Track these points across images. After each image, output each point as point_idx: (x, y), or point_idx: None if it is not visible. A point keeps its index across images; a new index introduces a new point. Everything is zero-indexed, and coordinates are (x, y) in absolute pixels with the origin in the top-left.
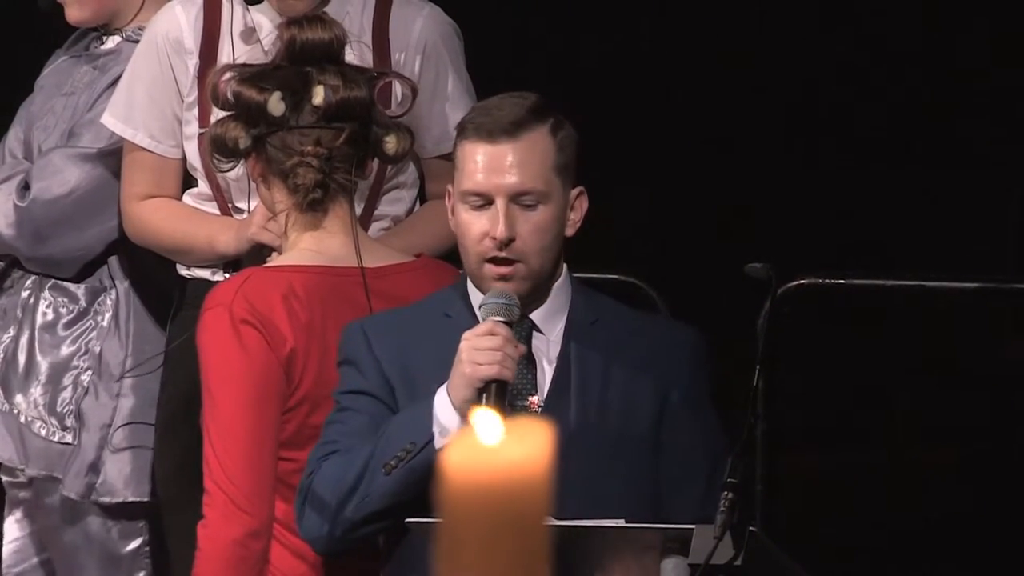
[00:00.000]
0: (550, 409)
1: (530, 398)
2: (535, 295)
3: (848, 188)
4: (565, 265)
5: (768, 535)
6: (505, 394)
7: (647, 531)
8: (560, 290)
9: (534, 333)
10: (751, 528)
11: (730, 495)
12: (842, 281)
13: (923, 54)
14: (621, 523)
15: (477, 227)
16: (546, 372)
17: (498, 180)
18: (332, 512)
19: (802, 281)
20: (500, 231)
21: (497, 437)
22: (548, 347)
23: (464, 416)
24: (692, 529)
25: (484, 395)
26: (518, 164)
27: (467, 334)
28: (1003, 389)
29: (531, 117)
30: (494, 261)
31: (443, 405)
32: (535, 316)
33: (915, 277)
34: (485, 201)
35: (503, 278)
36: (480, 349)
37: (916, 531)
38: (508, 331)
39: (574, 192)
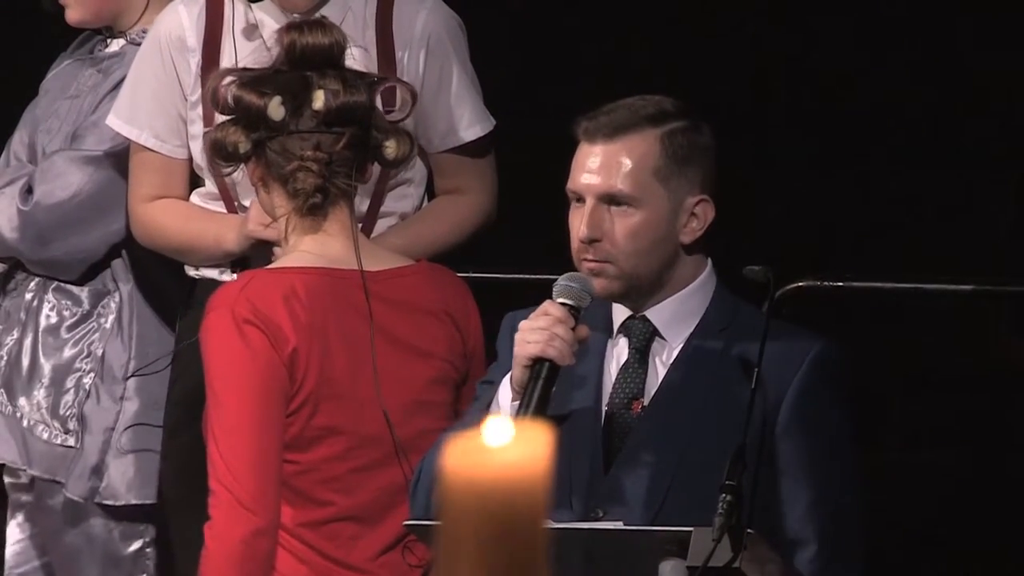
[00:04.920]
0: (651, 414)
1: (635, 401)
2: (640, 297)
3: (847, 190)
4: (708, 270)
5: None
6: (555, 375)
7: (646, 533)
8: (692, 296)
9: (656, 337)
10: (749, 530)
11: (728, 497)
12: (840, 284)
13: (922, 54)
14: (619, 525)
15: (574, 225)
16: (658, 377)
17: (587, 180)
18: (424, 494)
19: (800, 284)
20: (582, 231)
21: (501, 440)
22: (667, 352)
23: (517, 396)
24: (690, 531)
25: (533, 374)
26: (608, 166)
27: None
28: (1001, 391)
29: (639, 121)
30: (586, 260)
31: (505, 387)
32: (657, 320)
33: (913, 279)
34: (581, 200)
35: (592, 273)
36: (531, 328)
37: (915, 532)
38: (563, 312)
39: (693, 199)
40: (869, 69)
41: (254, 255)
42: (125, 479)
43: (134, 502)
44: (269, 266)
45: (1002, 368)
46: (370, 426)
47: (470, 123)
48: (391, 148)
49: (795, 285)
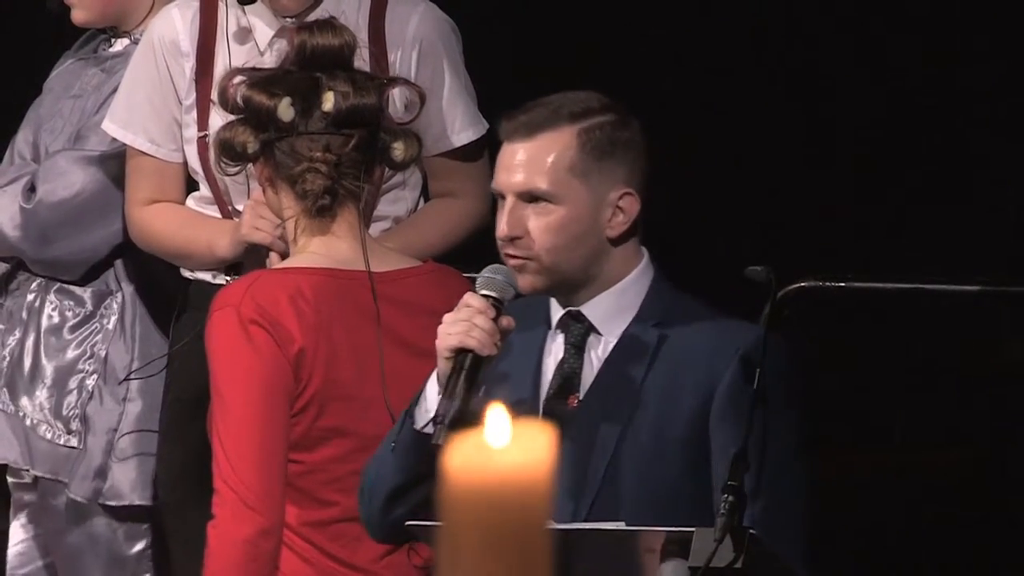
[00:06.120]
0: (585, 408)
1: (571, 396)
2: (569, 291)
3: (849, 190)
4: (643, 264)
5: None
6: (478, 365)
7: (647, 533)
8: (628, 289)
9: (592, 332)
10: (751, 531)
11: (730, 498)
12: (842, 284)
13: (923, 54)
14: (621, 526)
15: (497, 223)
16: (593, 371)
17: (505, 178)
18: (367, 495)
19: (802, 284)
20: (501, 228)
21: (503, 439)
22: (603, 346)
23: (441, 390)
24: (692, 532)
25: (456, 366)
26: (524, 163)
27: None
28: (1003, 391)
29: (556, 118)
30: (509, 256)
31: (431, 383)
32: (592, 315)
33: (915, 280)
34: (502, 198)
35: (516, 270)
36: (452, 320)
37: (917, 532)
38: (483, 303)
39: (616, 194)
40: (871, 69)
41: (248, 260)
42: (129, 480)
43: (138, 503)
44: (276, 266)
45: (1004, 368)
46: (375, 427)
47: (462, 127)
48: (399, 150)
49: (797, 285)
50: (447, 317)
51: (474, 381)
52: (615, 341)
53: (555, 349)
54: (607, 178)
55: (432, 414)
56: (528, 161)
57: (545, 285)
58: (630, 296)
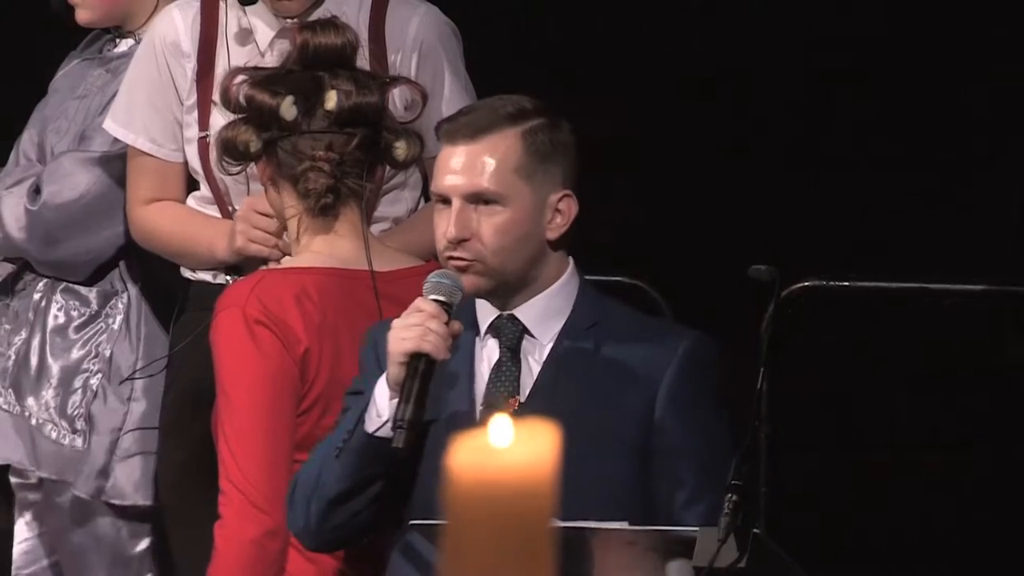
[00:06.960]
0: (527, 411)
1: (511, 399)
2: (507, 294)
3: (851, 190)
4: (571, 268)
5: (772, 538)
6: (432, 370)
7: (651, 533)
8: (559, 293)
9: (525, 336)
10: (755, 531)
11: (734, 498)
12: (846, 283)
13: (923, 54)
14: (625, 526)
15: (440, 227)
16: (532, 374)
17: (452, 181)
18: (305, 502)
19: (806, 283)
20: (450, 231)
21: (506, 439)
22: (538, 349)
23: (395, 395)
24: (696, 531)
25: (410, 371)
26: (471, 166)
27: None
28: (1005, 391)
29: (498, 120)
30: (453, 259)
31: (381, 388)
32: (526, 319)
33: (918, 279)
34: (446, 202)
35: (460, 271)
36: (405, 325)
37: (919, 532)
38: (435, 307)
39: (556, 195)
40: (872, 69)
41: (249, 261)
42: (132, 480)
43: (141, 503)
44: (279, 266)
45: (1004, 368)
46: None
47: None
48: (401, 149)
49: (800, 285)
50: (397, 323)
51: (428, 385)
52: (550, 344)
53: (487, 354)
54: (549, 180)
55: (385, 418)
56: (474, 163)
57: (488, 286)
58: (562, 300)
